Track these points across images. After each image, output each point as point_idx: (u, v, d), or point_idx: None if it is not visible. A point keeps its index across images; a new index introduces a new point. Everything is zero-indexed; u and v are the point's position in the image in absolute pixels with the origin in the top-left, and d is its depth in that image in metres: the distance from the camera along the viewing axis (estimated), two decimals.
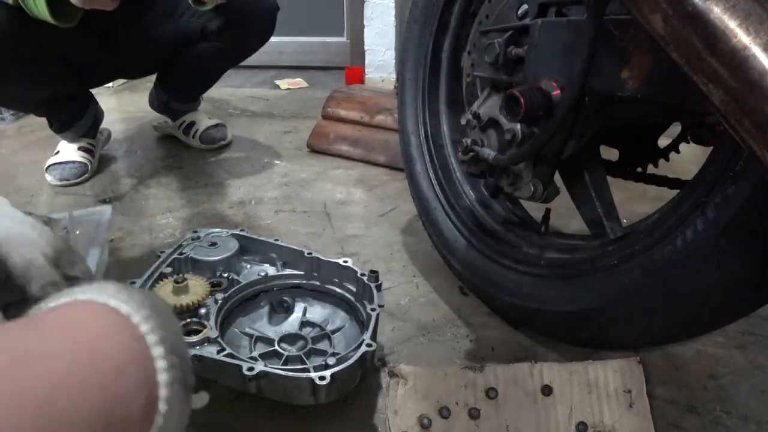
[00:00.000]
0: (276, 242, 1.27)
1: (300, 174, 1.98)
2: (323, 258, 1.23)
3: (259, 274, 1.22)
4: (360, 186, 1.90)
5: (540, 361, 1.05)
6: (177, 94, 2.14)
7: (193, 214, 1.74)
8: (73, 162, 1.91)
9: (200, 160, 2.08)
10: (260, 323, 1.21)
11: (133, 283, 1.11)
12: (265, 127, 2.35)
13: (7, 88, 1.65)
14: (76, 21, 1.40)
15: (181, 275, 1.13)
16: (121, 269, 1.47)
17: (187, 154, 2.13)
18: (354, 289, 1.20)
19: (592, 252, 1.07)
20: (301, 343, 1.15)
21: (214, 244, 1.26)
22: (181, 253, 1.23)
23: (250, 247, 1.30)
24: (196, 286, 1.14)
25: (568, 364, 1.05)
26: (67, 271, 0.54)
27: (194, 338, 1.04)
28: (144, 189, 1.89)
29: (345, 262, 1.21)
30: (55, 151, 1.97)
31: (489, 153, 1.03)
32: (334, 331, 1.19)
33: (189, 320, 1.09)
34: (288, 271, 1.26)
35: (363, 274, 1.18)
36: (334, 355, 1.03)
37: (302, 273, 1.24)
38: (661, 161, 1.28)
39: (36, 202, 1.82)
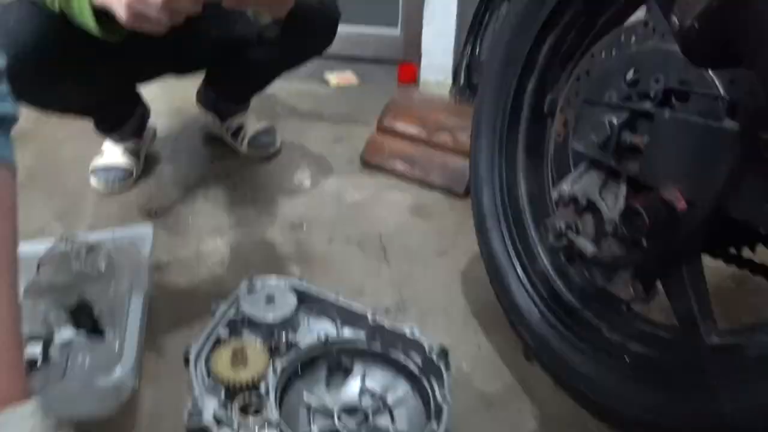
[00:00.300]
0: (337, 301, 1.19)
1: (354, 194, 1.88)
2: (388, 326, 1.14)
3: (318, 338, 1.14)
4: (417, 215, 1.79)
5: None
6: (227, 95, 2.04)
7: (243, 238, 1.65)
8: (119, 167, 1.84)
9: (248, 168, 1.99)
10: (318, 389, 1.13)
11: (188, 354, 1.04)
12: (314, 132, 2.24)
13: (54, 94, 1.56)
14: (122, 38, 1.30)
15: (240, 345, 1.05)
16: (169, 304, 1.40)
17: (235, 160, 2.04)
18: (419, 362, 1.12)
19: (685, 356, 0.96)
20: (360, 416, 1.08)
21: (271, 298, 1.18)
22: (237, 311, 1.16)
23: (308, 301, 1.22)
24: (255, 356, 1.06)
25: None
26: None
27: (254, 421, 0.97)
28: (190, 202, 1.80)
29: (412, 333, 1.12)
30: (100, 151, 1.89)
31: (587, 246, 0.93)
32: (395, 404, 1.11)
33: (248, 397, 1.02)
34: (348, 334, 1.17)
35: (432, 351, 1.09)
36: None
37: (363, 338, 1.16)
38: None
39: (79, 211, 1.75)
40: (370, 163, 2.01)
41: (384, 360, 1.15)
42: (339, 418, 1.05)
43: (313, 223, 1.73)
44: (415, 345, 1.12)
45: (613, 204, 0.93)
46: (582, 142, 0.99)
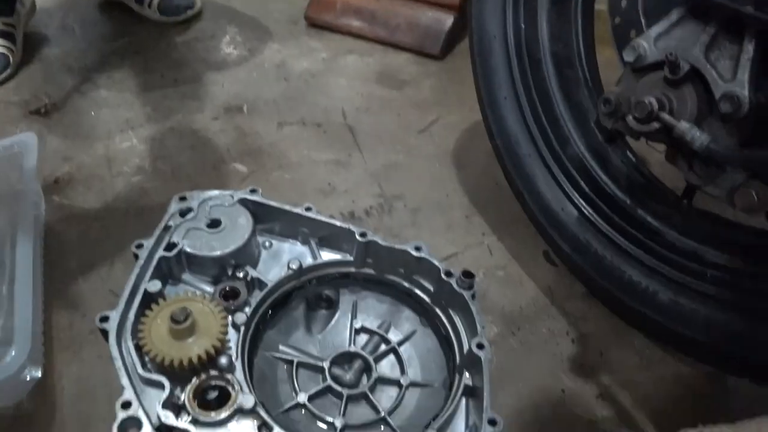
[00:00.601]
0: (309, 214, 0.86)
1: (302, 62, 1.50)
2: (383, 242, 0.82)
3: (288, 267, 0.82)
4: (385, 83, 1.44)
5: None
6: None
7: (165, 132, 1.28)
8: None
9: (162, 40, 1.56)
10: (296, 335, 0.85)
11: (105, 329, 0.71)
12: None
13: None
14: None
15: (180, 304, 0.72)
16: (75, 238, 1.05)
17: (143, 30, 1.60)
18: (431, 288, 0.83)
19: None
20: (358, 364, 0.81)
21: (215, 222, 0.85)
22: (170, 247, 0.82)
23: (266, 218, 0.89)
24: (205, 315, 0.74)
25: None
26: None
27: (223, 413, 0.67)
28: (92, 90, 1.39)
29: (418, 250, 0.82)
30: None
31: (696, 135, 0.62)
32: (401, 342, 0.84)
33: (207, 381, 0.71)
34: (328, 256, 0.86)
35: (449, 274, 0.79)
36: (413, 385, 0.78)
37: (350, 259, 0.85)
38: None
39: None
40: (317, 22, 1.62)
41: (380, 287, 0.86)
42: (330, 371, 0.78)
43: (254, 104, 1.37)
44: (423, 267, 0.82)
45: (729, 71, 0.61)
46: None
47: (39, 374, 0.82)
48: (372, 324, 0.84)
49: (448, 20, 1.50)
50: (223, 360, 0.71)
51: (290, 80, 1.44)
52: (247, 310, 0.77)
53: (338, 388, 0.76)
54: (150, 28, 1.60)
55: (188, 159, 1.22)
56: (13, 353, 0.75)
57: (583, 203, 0.91)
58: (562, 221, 0.93)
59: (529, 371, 0.91)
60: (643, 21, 0.75)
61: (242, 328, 0.75)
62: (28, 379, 0.77)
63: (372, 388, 0.77)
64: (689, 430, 0.58)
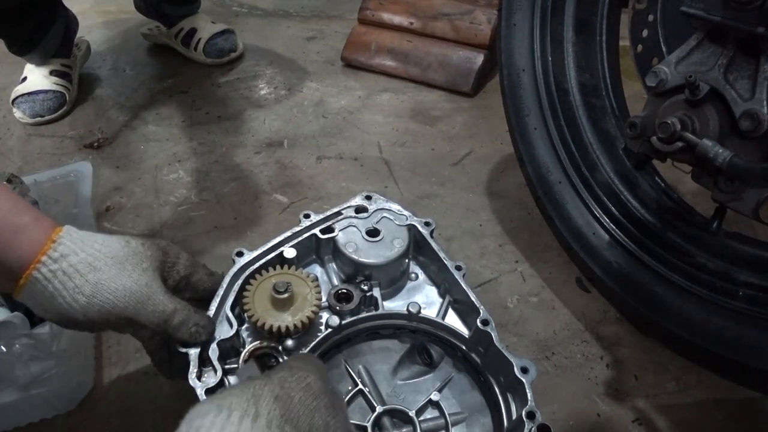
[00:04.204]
0: (455, 273, 0.85)
1: (339, 100, 1.56)
2: (499, 344, 0.79)
3: (408, 308, 0.82)
4: (419, 118, 1.49)
5: None
6: None
7: (210, 164, 1.34)
8: (46, 91, 1.48)
9: (207, 80, 1.64)
10: (381, 366, 0.85)
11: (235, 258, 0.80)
12: (282, 31, 1.88)
13: None
14: None
15: (286, 282, 0.76)
16: None
17: (189, 71, 1.68)
18: (514, 414, 0.79)
19: None
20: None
21: (375, 231, 0.87)
22: (326, 230, 0.87)
23: (425, 254, 0.91)
24: (303, 300, 0.78)
25: None
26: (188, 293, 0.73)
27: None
28: (141, 126, 1.47)
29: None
30: (22, 77, 1.52)
31: (719, 152, 0.64)
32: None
33: (267, 350, 0.76)
34: (452, 320, 0.86)
35: (531, 415, 0.75)
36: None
37: (466, 336, 0.83)
38: None
39: (3, 148, 1.40)
40: (352, 62, 1.68)
41: (477, 378, 0.84)
42: (379, 419, 0.79)
43: (294, 139, 1.42)
44: (518, 390, 0.78)
45: (748, 91, 0.64)
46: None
47: (91, 385, 0.86)
48: (449, 407, 0.81)
49: (478, 58, 1.55)
50: (290, 343, 0.76)
51: (328, 117, 1.50)
52: (347, 320, 0.81)
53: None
54: (196, 69, 1.69)
55: (232, 190, 1.27)
56: (68, 363, 0.79)
57: (614, 227, 0.93)
58: (594, 245, 0.94)
59: (564, 395, 0.92)
60: (663, 48, 0.78)
61: (329, 331, 0.79)
62: (79, 388, 0.81)
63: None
64: None
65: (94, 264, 0.62)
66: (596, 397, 0.93)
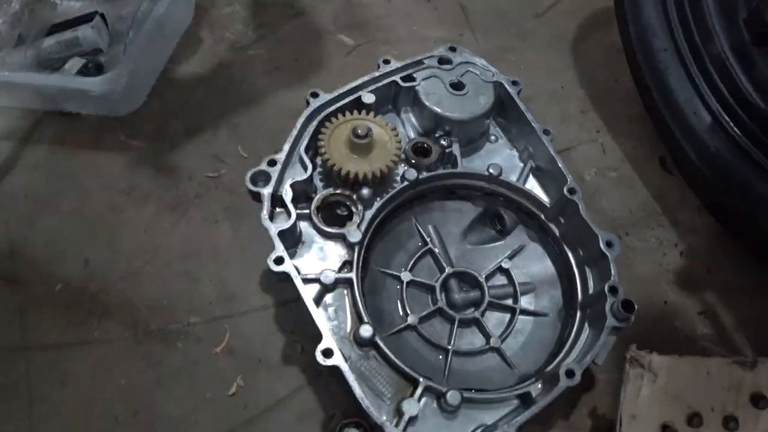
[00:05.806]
0: (544, 137, 0.83)
1: None
2: (584, 213, 0.78)
3: (489, 169, 0.80)
4: None
5: None
6: None
7: (269, 3, 1.22)
8: None
9: None
10: (451, 227, 0.84)
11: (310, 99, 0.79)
12: None
13: None
14: None
15: (366, 126, 0.74)
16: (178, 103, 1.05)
17: None
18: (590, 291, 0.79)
19: None
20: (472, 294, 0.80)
21: (460, 85, 0.83)
22: (407, 78, 0.82)
23: (510, 115, 0.87)
24: (383, 146, 0.75)
25: None
26: None
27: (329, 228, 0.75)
28: None
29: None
30: None
31: None
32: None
33: (340, 198, 0.76)
34: (533, 186, 0.84)
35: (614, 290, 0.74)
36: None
37: (547, 204, 0.81)
38: None
39: None
40: None
41: (553, 249, 0.82)
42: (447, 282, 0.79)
43: None
44: (602, 264, 0.77)
45: None
46: None
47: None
48: (519, 276, 0.80)
49: None
50: (365, 192, 0.74)
51: None
52: (424, 175, 0.78)
53: (450, 311, 0.76)
54: None
55: (292, 27, 1.18)
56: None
57: (719, 108, 0.83)
58: (692, 125, 0.85)
59: (633, 278, 0.89)
60: None
61: (405, 184, 0.77)
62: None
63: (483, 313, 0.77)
64: None
65: None
66: (665, 284, 0.89)
